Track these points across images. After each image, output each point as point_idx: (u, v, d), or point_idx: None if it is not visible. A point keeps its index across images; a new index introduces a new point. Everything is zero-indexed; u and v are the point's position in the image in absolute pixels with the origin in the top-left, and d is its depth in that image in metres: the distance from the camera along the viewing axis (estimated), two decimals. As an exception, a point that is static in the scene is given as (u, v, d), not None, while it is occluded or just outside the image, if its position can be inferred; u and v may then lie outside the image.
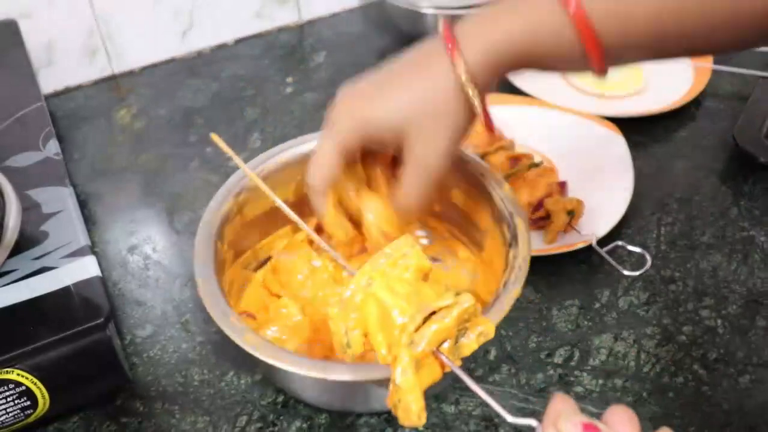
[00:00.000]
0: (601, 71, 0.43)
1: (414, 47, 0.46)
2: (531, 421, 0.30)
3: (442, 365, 0.36)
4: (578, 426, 0.28)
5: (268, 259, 0.55)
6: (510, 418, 0.32)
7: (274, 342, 0.50)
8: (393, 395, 0.35)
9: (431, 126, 0.44)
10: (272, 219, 0.55)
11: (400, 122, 0.44)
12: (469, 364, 0.52)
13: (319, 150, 0.47)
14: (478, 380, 0.51)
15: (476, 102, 0.43)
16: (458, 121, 0.45)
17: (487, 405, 0.33)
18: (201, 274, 0.46)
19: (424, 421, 0.35)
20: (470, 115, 0.45)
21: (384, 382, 0.38)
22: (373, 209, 0.49)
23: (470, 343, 0.37)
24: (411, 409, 0.35)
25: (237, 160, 0.50)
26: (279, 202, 0.49)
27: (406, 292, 0.37)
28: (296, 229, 0.55)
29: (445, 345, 0.36)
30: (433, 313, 0.35)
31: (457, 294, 0.36)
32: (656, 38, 0.41)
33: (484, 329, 0.37)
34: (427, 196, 0.46)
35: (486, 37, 0.43)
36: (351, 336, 0.37)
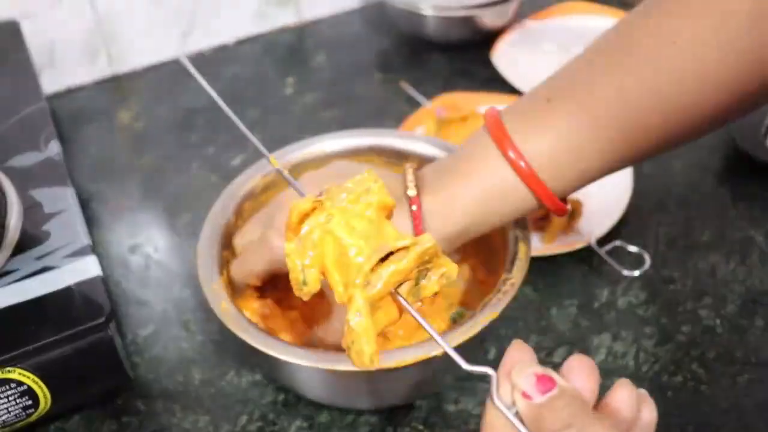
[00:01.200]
0: (560, 212, 0.44)
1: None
2: (487, 369, 0.29)
3: (400, 307, 0.35)
4: (531, 377, 0.28)
5: None
6: (465, 365, 0.31)
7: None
8: (347, 336, 0.34)
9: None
10: None
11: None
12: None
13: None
14: (477, 379, 0.51)
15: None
16: None
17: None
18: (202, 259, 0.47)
19: (377, 364, 0.33)
20: None
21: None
22: None
23: (431, 285, 0.35)
24: (364, 351, 0.33)
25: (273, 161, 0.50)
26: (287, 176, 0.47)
27: (365, 230, 0.35)
28: None
29: (404, 287, 0.35)
30: (391, 253, 0.34)
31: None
32: (610, 169, 0.43)
33: (447, 271, 0.35)
34: None
35: (443, 222, 0.44)
36: (307, 273, 0.36)
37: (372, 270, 0.34)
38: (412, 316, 0.33)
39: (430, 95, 0.76)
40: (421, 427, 0.49)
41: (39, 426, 0.49)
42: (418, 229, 0.43)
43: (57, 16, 0.78)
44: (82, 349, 0.45)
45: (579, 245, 0.57)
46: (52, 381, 0.46)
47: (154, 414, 0.50)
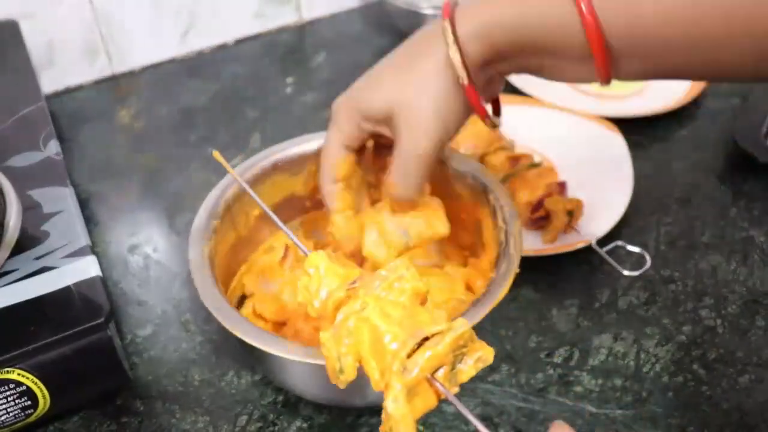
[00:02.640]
0: (602, 70, 0.40)
1: (414, 34, 0.46)
2: None
3: (437, 393, 0.35)
4: None
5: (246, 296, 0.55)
6: None
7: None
8: (385, 424, 0.34)
9: (419, 110, 0.43)
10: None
11: (389, 105, 0.43)
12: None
13: (324, 148, 0.47)
14: (478, 380, 0.51)
15: (463, 76, 0.41)
16: (450, 105, 0.43)
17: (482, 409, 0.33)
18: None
19: None
20: (464, 100, 0.43)
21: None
22: (374, 232, 0.48)
23: (468, 370, 0.36)
24: None
25: (234, 175, 0.50)
26: (267, 210, 0.48)
27: (400, 317, 0.36)
28: (267, 250, 0.56)
29: (441, 372, 0.35)
30: (427, 339, 0.35)
31: (452, 319, 0.35)
32: (664, 43, 0.39)
33: (483, 354, 0.36)
34: (416, 185, 0.45)
35: (481, 17, 0.41)
36: (344, 362, 0.36)
37: (408, 356, 0.34)
38: (451, 401, 0.34)
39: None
40: (421, 427, 0.48)
41: (38, 426, 0.49)
42: (446, 11, 0.41)
43: (56, 16, 0.78)
44: (81, 349, 0.45)
45: (579, 245, 0.57)
46: (51, 381, 0.46)
47: (153, 414, 0.50)
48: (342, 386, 0.37)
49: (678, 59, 0.39)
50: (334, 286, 0.38)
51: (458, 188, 0.53)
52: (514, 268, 0.45)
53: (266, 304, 0.52)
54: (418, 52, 0.43)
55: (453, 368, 0.35)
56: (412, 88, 0.43)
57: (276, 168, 0.55)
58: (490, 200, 0.50)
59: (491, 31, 0.41)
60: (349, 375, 0.37)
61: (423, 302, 0.38)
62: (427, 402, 0.35)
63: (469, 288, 0.53)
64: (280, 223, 0.45)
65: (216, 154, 0.49)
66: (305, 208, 0.58)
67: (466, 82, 0.41)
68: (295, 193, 0.57)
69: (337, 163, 0.47)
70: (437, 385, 0.35)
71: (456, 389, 0.36)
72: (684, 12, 0.37)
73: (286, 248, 0.55)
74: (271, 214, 0.46)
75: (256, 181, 0.53)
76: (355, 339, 0.36)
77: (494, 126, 0.46)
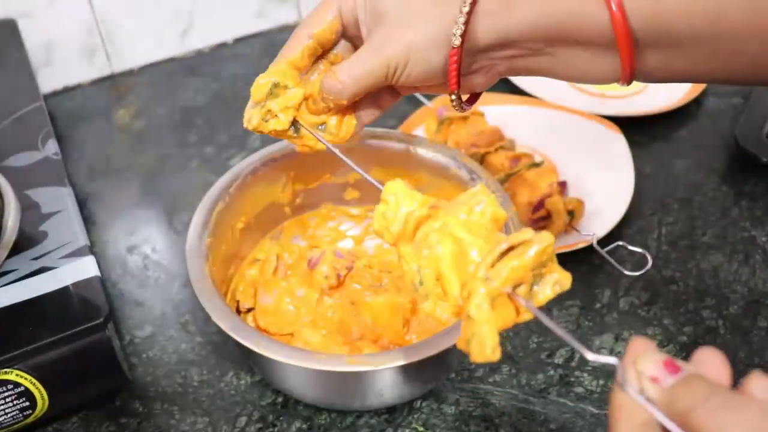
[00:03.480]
0: (626, 60, 0.38)
1: None
2: (611, 359, 0.29)
3: (517, 310, 0.35)
4: (659, 363, 0.27)
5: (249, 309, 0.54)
6: (590, 356, 0.30)
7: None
8: (466, 330, 0.34)
9: (405, 15, 0.41)
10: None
11: (387, 7, 0.42)
12: (469, 363, 0.52)
13: (316, 8, 0.46)
14: (478, 380, 0.51)
15: (456, 41, 0.40)
16: (436, 30, 0.41)
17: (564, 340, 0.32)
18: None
19: (498, 356, 0.33)
20: (445, 59, 0.41)
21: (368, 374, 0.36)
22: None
23: (546, 291, 0.35)
24: (486, 342, 0.33)
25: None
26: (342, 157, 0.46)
27: (483, 234, 0.36)
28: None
29: (520, 290, 0.34)
30: (511, 249, 0.34)
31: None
32: (689, 33, 0.37)
33: (560, 278, 0.35)
34: (355, 89, 0.43)
35: (502, 20, 0.40)
36: (424, 274, 0.36)
37: (492, 265, 0.34)
38: (535, 315, 0.33)
39: (431, 95, 0.75)
40: (421, 428, 0.48)
41: (36, 427, 0.49)
42: (466, 26, 0.40)
43: (54, 15, 0.77)
44: (79, 350, 0.45)
45: (580, 245, 0.57)
46: (49, 382, 0.45)
47: (152, 415, 0.50)
48: (421, 300, 0.37)
49: (703, 51, 0.38)
50: (416, 206, 0.38)
51: (442, 183, 0.54)
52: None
53: (268, 317, 0.52)
54: None
55: (531, 289, 0.35)
56: (412, 10, 0.41)
57: (256, 177, 0.54)
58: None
59: (513, 5, 0.40)
60: (429, 287, 0.36)
61: (501, 229, 0.37)
62: (506, 318, 0.35)
63: None
64: (353, 165, 0.45)
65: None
66: (285, 215, 0.58)
67: (457, 43, 0.40)
68: (275, 201, 0.57)
69: (320, 21, 0.45)
70: (519, 299, 0.34)
71: (538, 306, 0.35)
72: (709, 0, 0.36)
73: (278, 258, 0.55)
74: (344, 158, 0.45)
75: (238, 195, 0.53)
76: (434, 253, 0.36)
77: (460, 108, 0.45)
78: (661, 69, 0.40)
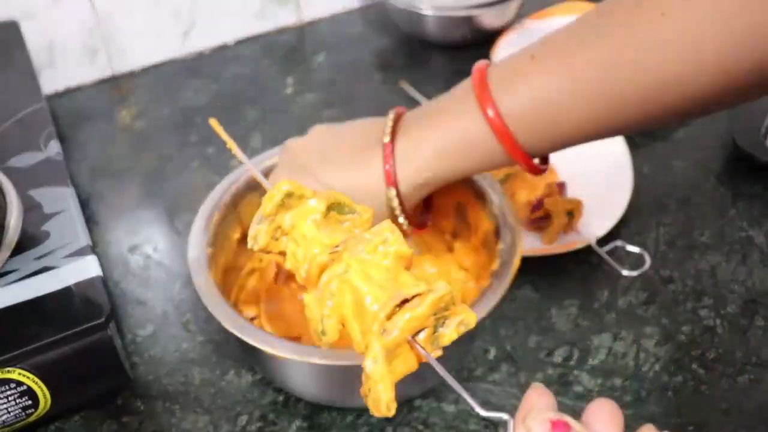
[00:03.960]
0: (532, 171, 0.44)
1: (365, 121, 0.49)
2: (503, 415, 0.29)
3: (419, 356, 0.35)
4: (546, 424, 0.27)
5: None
6: (483, 413, 0.31)
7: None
8: (364, 384, 0.34)
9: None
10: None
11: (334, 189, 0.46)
12: (469, 363, 0.52)
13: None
14: (477, 379, 0.51)
15: (402, 220, 0.47)
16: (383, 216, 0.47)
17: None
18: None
19: (393, 412, 0.34)
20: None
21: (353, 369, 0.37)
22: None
23: (449, 333, 0.35)
24: (380, 399, 0.33)
25: (232, 146, 0.48)
26: (260, 177, 0.46)
27: (382, 279, 0.36)
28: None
29: (422, 335, 0.35)
30: (407, 301, 0.34)
31: (433, 281, 0.35)
32: (585, 137, 0.42)
33: (464, 318, 0.35)
34: None
35: (415, 167, 0.45)
36: (326, 324, 0.36)
37: (388, 318, 0.34)
38: (431, 363, 0.34)
39: (430, 95, 0.76)
40: (421, 427, 0.49)
41: (39, 426, 0.49)
42: (388, 176, 0.45)
43: (57, 16, 0.78)
44: (81, 349, 0.45)
45: (579, 245, 0.57)
46: (51, 381, 0.46)
47: (153, 414, 0.50)
48: (324, 347, 0.37)
49: (595, 132, 0.43)
50: (318, 251, 0.38)
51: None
52: (521, 237, 0.47)
53: (273, 323, 0.52)
54: (363, 159, 0.46)
55: (435, 331, 0.35)
56: (350, 193, 0.43)
57: (249, 188, 0.54)
58: (471, 180, 0.52)
59: (427, 184, 0.46)
60: (331, 336, 0.36)
61: (408, 266, 0.37)
62: (407, 364, 0.35)
63: (463, 268, 0.53)
64: (245, 159, 0.45)
65: (213, 123, 0.48)
66: None
67: (403, 224, 0.47)
68: None
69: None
70: (417, 347, 0.34)
71: (438, 352, 0.35)
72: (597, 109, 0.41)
73: (278, 265, 0.55)
74: (247, 161, 0.45)
75: (232, 205, 0.53)
76: (338, 301, 0.36)
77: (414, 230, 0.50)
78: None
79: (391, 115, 0.46)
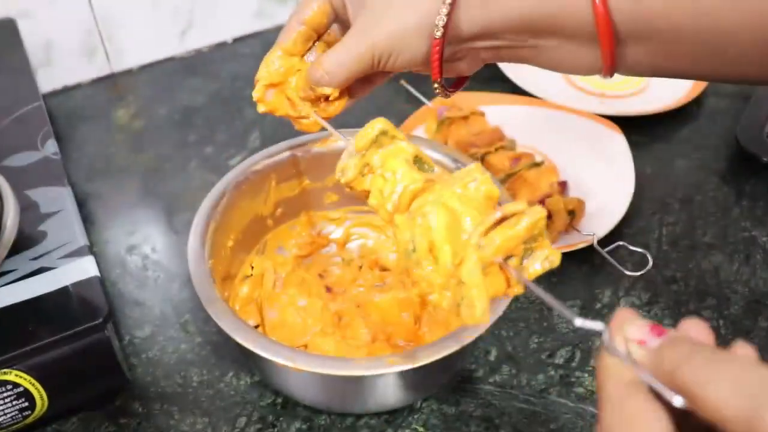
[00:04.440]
0: (607, 54, 0.39)
1: None
2: (598, 324, 0.29)
3: (508, 282, 0.35)
4: (644, 327, 0.28)
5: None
6: (578, 321, 0.30)
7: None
8: (456, 295, 0.34)
9: (388, 3, 0.41)
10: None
11: None
12: (470, 364, 0.52)
13: None
14: (479, 381, 0.51)
15: (438, 32, 0.40)
16: (419, 19, 0.41)
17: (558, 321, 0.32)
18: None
19: (488, 319, 0.34)
20: (428, 46, 0.41)
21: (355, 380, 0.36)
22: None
23: (536, 268, 0.35)
24: (475, 305, 0.33)
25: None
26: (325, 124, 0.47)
27: (477, 206, 0.36)
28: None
29: (511, 261, 0.35)
30: (503, 220, 0.34)
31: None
32: (671, 28, 0.38)
33: (550, 254, 0.35)
34: (343, 78, 0.43)
35: (486, 7, 0.40)
36: (417, 241, 0.36)
37: (484, 234, 0.34)
38: (525, 285, 0.34)
39: (430, 95, 0.75)
40: (421, 429, 0.48)
41: (36, 428, 0.49)
42: (449, 17, 0.40)
43: (54, 15, 0.77)
44: (79, 350, 0.45)
45: (581, 245, 0.57)
46: (48, 383, 0.45)
47: (151, 416, 0.50)
48: (414, 267, 0.37)
49: (685, 49, 0.39)
50: (411, 179, 0.38)
51: None
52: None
53: (277, 332, 0.52)
54: None
55: (521, 263, 0.35)
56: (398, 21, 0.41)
57: (240, 192, 0.54)
58: None
59: (490, 17, 0.40)
60: (421, 253, 0.36)
61: (494, 207, 0.37)
62: (497, 287, 0.35)
63: None
64: (329, 127, 0.46)
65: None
66: (267, 227, 0.57)
67: (438, 35, 0.40)
68: (258, 214, 0.56)
69: (311, 6, 0.45)
70: (509, 269, 0.34)
71: (520, 288, 0.35)
72: None
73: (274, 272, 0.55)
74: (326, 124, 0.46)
75: (225, 211, 0.52)
76: (427, 224, 0.36)
77: (444, 94, 0.45)
78: (643, 64, 0.40)
79: None
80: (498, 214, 0.34)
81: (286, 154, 0.56)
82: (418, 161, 0.40)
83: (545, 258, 0.35)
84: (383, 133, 0.40)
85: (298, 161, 0.56)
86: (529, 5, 0.39)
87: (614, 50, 0.39)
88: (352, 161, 0.40)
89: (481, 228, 0.34)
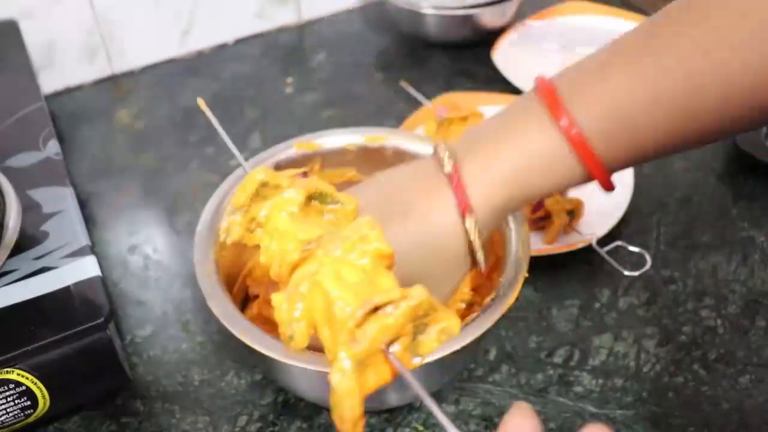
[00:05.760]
0: (608, 187, 0.41)
1: (401, 169, 0.44)
2: None
3: (393, 367, 0.32)
4: None
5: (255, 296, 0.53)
6: None
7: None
8: (330, 397, 0.31)
9: (427, 274, 0.41)
10: None
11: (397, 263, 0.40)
12: (469, 363, 0.52)
13: None
14: (478, 380, 0.51)
15: (480, 257, 0.42)
16: (459, 268, 0.43)
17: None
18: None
19: (360, 430, 0.31)
20: (471, 262, 0.43)
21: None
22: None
23: (430, 341, 0.32)
24: (345, 416, 0.30)
25: (218, 127, 0.47)
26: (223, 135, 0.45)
27: (357, 282, 0.32)
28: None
29: (397, 346, 0.32)
30: (380, 307, 0.31)
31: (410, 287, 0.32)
32: (663, 148, 0.40)
33: (447, 326, 0.32)
34: None
35: (491, 191, 0.41)
36: (295, 328, 0.33)
37: (358, 325, 0.31)
38: (404, 377, 0.31)
39: (430, 95, 0.75)
40: (421, 427, 0.48)
41: (38, 427, 0.49)
42: (462, 203, 0.40)
43: (56, 16, 0.78)
44: (80, 349, 0.45)
45: (580, 245, 0.57)
46: (50, 382, 0.45)
47: (153, 415, 0.50)
48: (292, 353, 0.35)
49: (673, 149, 0.41)
50: (291, 247, 0.35)
51: None
52: (523, 272, 0.45)
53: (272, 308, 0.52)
54: (425, 204, 0.41)
55: (414, 338, 0.32)
56: (422, 250, 0.41)
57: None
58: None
59: (503, 207, 0.42)
60: (300, 342, 0.34)
61: (390, 266, 0.34)
62: (381, 376, 0.32)
63: (474, 290, 0.52)
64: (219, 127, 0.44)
65: (201, 103, 0.46)
66: None
67: (482, 264, 0.42)
68: None
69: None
70: (391, 359, 0.31)
71: (417, 361, 0.33)
72: (675, 125, 0.38)
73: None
74: (220, 128, 0.44)
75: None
76: (309, 304, 0.33)
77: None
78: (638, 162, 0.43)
79: (442, 145, 0.42)
80: (370, 305, 0.31)
81: (292, 151, 0.56)
82: (318, 197, 0.37)
83: (441, 331, 0.33)
84: (264, 184, 0.37)
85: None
86: (530, 190, 0.42)
87: (609, 179, 0.41)
88: (236, 218, 0.37)
89: (351, 323, 0.31)
